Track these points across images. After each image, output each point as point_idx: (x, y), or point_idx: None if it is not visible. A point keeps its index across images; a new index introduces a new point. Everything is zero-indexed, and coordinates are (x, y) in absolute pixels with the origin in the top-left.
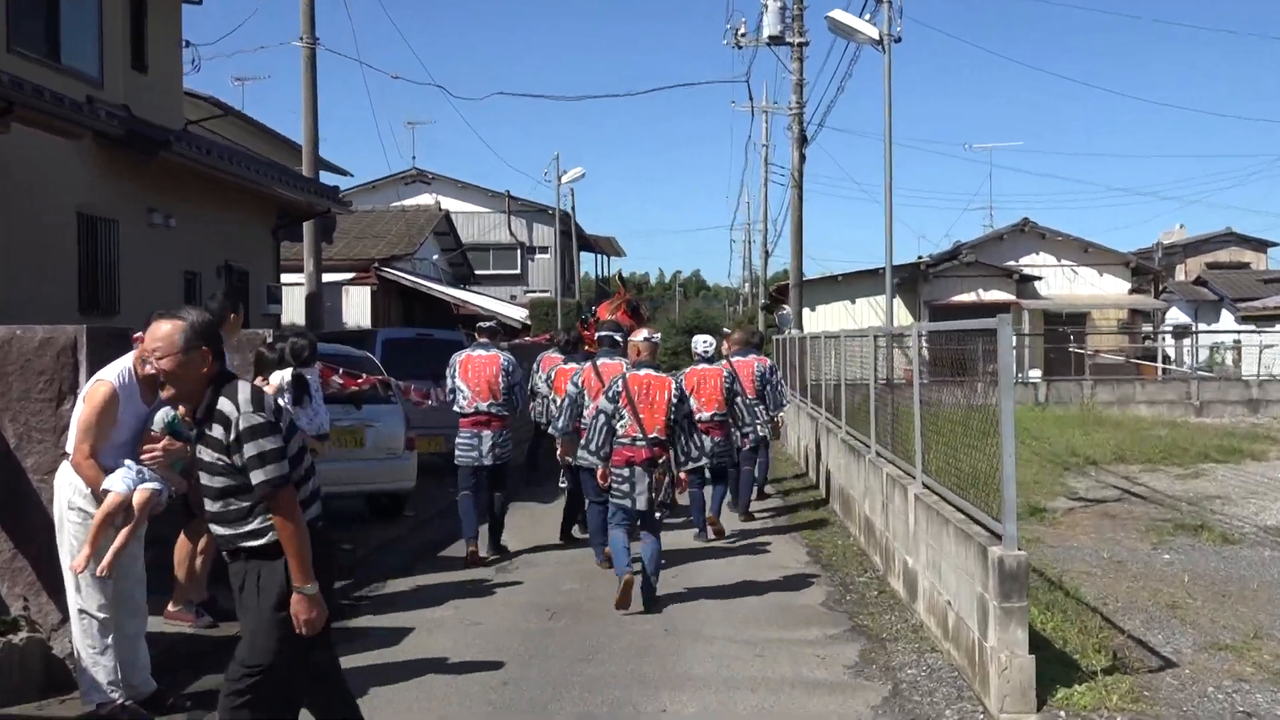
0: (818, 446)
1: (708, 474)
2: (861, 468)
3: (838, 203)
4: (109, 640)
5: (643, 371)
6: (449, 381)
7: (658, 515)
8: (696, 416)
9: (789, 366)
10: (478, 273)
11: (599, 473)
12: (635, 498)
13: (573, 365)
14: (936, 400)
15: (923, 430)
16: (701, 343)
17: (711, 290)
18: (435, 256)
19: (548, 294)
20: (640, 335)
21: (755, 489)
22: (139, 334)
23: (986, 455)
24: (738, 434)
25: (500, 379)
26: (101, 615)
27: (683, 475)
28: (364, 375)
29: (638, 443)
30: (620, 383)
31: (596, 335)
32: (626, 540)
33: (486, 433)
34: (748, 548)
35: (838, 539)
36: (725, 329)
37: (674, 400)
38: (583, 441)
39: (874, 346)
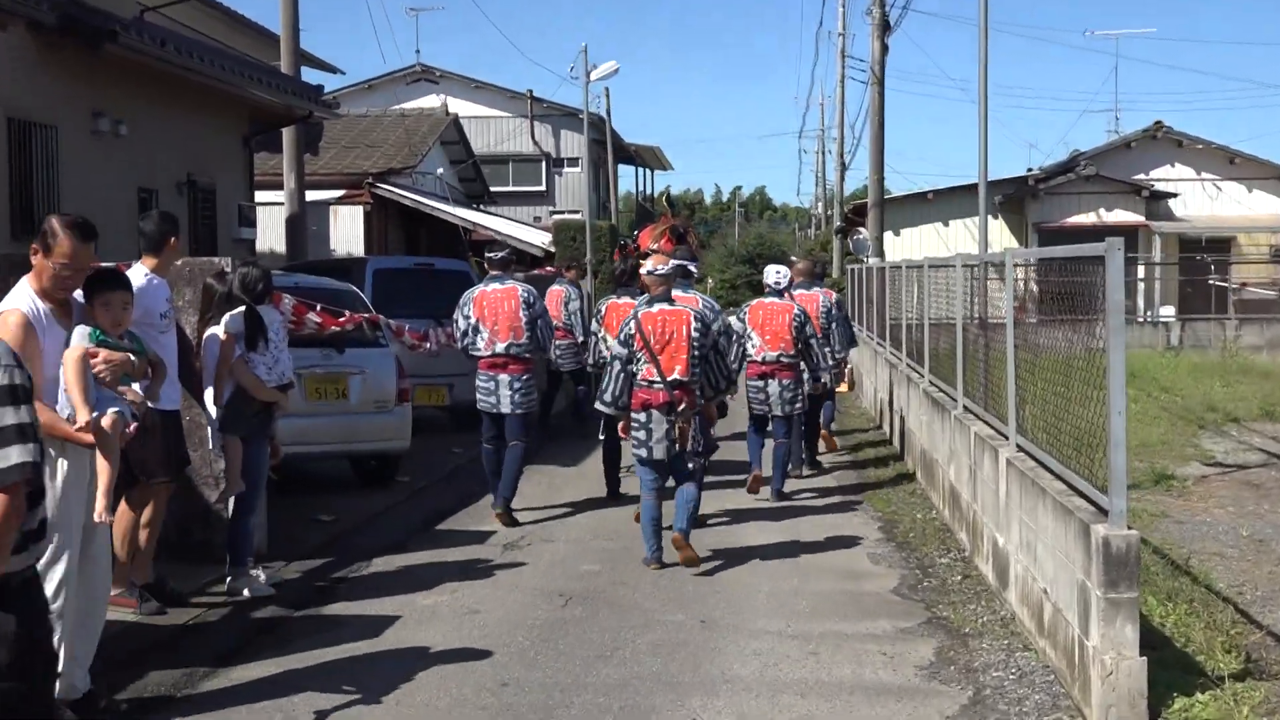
0: (895, 398)
1: (774, 422)
2: (946, 426)
3: (929, 104)
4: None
5: (656, 308)
6: (461, 322)
7: (690, 466)
8: (759, 356)
9: (865, 302)
10: (494, 190)
11: (620, 425)
12: (652, 446)
13: (628, 300)
14: (1036, 344)
15: (1018, 380)
16: (774, 273)
17: (778, 211)
18: (442, 170)
19: (578, 215)
20: (645, 268)
21: (820, 437)
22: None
23: (1092, 412)
24: (809, 379)
25: (521, 312)
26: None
27: (711, 410)
28: (347, 313)
29: (655, 385)
30: (633, 323)
31: (647, 273)
32: (657, 510)
33: (504, 376)
34: (807, 515)
35: (916, 511)
36: (793, 258)
37: (695, 335)
38: (599, 390)
39: (961, 277)
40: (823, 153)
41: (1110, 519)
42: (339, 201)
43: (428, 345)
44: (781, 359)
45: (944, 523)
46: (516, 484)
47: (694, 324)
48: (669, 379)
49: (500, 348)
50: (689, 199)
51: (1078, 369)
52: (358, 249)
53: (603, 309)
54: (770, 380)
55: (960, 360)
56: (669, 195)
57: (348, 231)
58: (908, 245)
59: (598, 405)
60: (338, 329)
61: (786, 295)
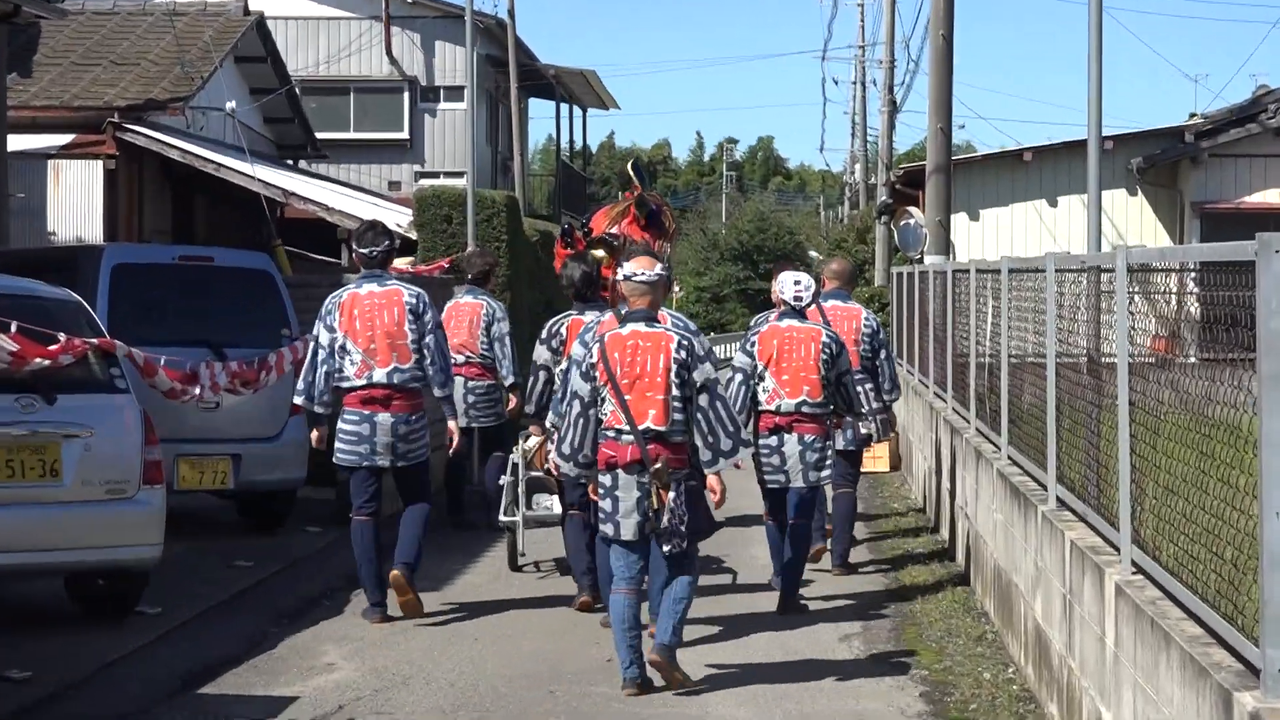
0: (955, 479)
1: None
2: (1032, 529)
3: (1031, 13)
4: None
5: (628, 328)
6: (323, 336)
7: (667, 549)
8: (772, 404)
9: (915, 326)
10: (324, 137)
11: (591, 487)
12: (619, 520)
13: (598, 318)
14: (1166, 399)
15: (1136, 457)
16: (793, 284)
17: (793, 177)
18: (235, 105)
19: (459, 180)
20: (625, 271)
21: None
22: None
23: (1237, 511)
24: (840, 434)
25: (408, 325)
26: None
27: (713, 481)
28: (62, 336)
29: (623, 437)
30: (596, 349)
31: (617, 276)
32: (632, 610)
33: (384, 417)
34: (816, 676)
35: (983, 667)
36: (813, 253)
37: (677, 367)
38: (556, 439)
39: (1054, 290)
40: (860, 83)
41: (1264, 683)
42: (64, 153)
43: (197, 391)
44: (804, 408)
45: (1025, 686)
46: (420, 545)
47: (676, 353)
48: (640, 427)
49: (379, 375)
50: (648, 156)
51: (1219, 441)
52: (93, 231)
53: (563, 331)
54: (788, 436)
55: (1052, 424)
56: (640, 164)
57: (77, 201)
58: (992, 235)
59: (553, 458)
60: (44, 363)
61: (812, 314)
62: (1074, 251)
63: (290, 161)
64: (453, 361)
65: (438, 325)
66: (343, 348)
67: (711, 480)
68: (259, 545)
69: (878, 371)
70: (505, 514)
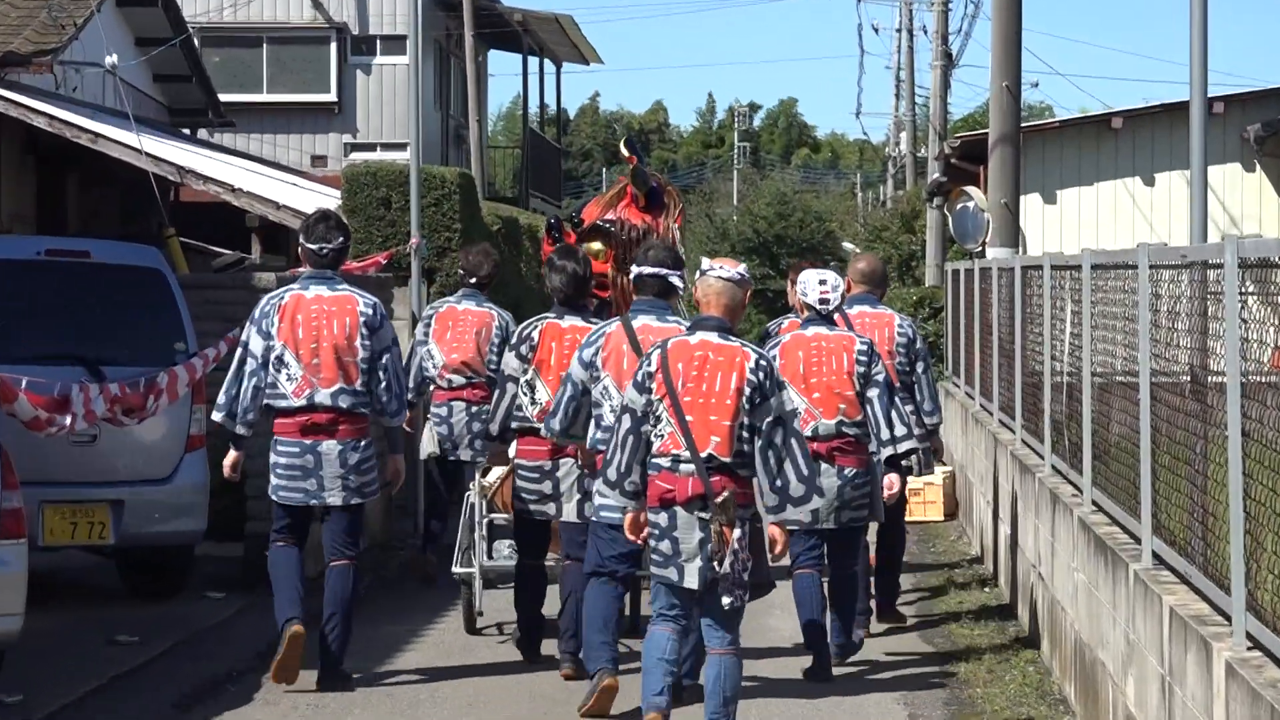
0: (1024, 529)
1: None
2: (1121, 592)
3: None
4: None
5: (696, 336)
6: (255, 344)
7: (727, 602)
8: (808, 429)
9: (967, 335)
10: (231, 100)
11: (628, 520)
12: (682, 567)
13: (574, 323)
14: None
15: (1251, 502)
16: (817, 285)
17: (821, 149)
18: (113, 60)
19: (401, 154)
20: (702, 265)
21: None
22: None
23: None
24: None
25: (360, 340)
26: None
27: (775, 531)
28: None
29: (681, 466)
30: (656, 358)
31: (634, 273)
32: (673, 645)
33: (329, 444)
34: None
35: None
36: (848, 245)
37: (750, 390)
38: (600, 468)
39: (1146, 291)
40: (907, 30)
41: None
42: None
43: (68, 421)
44: (843, 429)
45: None
46: (348, 630)
47: (752, 374)
48: (703, 454)
49: (323, 397)
50: (640, 123)
51: None
52: None
53: (534, 337)
54: (826, 468)
55: (1147, 460)
56: (635, 138)
57: None
58: (1071, 222)
59: (595, 488)
60: None
61: (839, 320)
62: (1174, 242)
63: (188, 131)
64: (451, 383)
65: (395, 341)
66: (280, 359)
67: (773, 530)
68: (147, 615)
69: (915, 388)
70: (459, 564)
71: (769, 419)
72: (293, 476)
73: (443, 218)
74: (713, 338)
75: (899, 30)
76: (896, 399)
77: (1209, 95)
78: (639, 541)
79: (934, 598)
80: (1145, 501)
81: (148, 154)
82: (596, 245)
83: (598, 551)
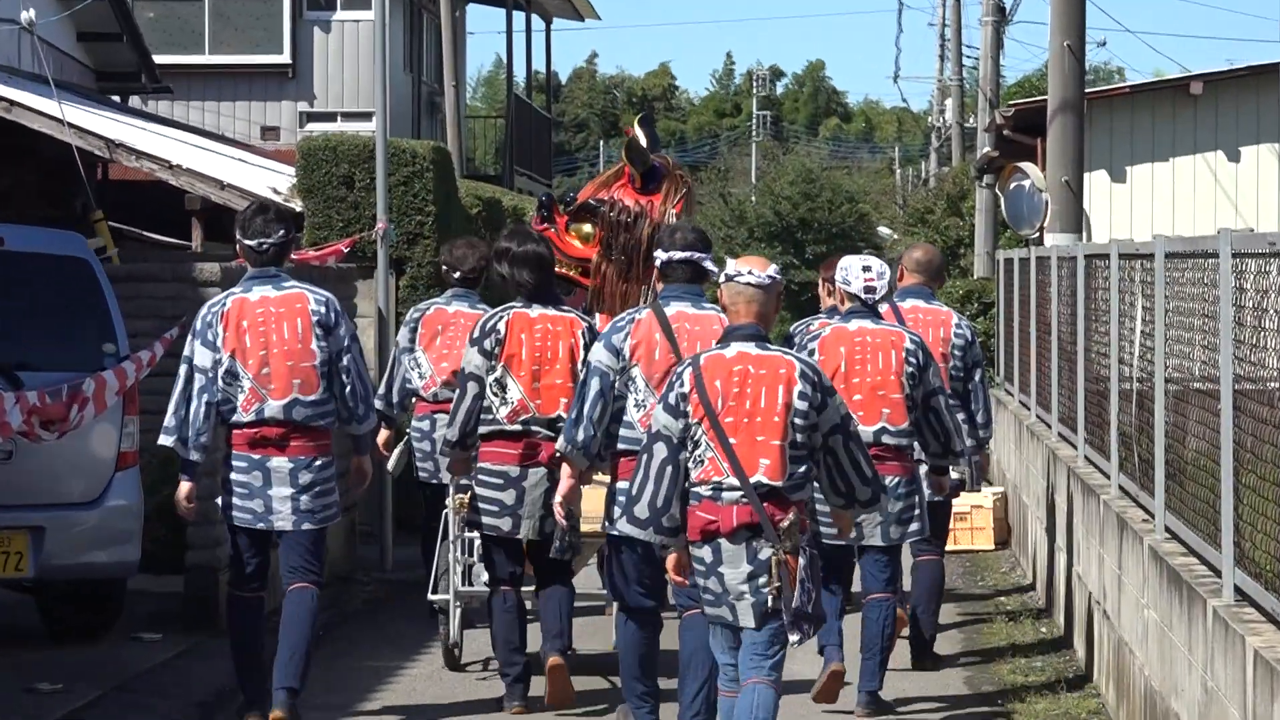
0: (1085, 559)
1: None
2: (1198, 633)
3: None
4: None
5: (733, 349)
6: (201, 357)
7: (795, 639)
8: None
9: (1021, 334)
10: (167, 64)
11: (671, 561)
12: (733, 605)
13: (544, 312)
14: None
15: None
16: (861, 271)
17: (854, 118)
18: (29, 15)
19: (366, 124)
20: (727, 270)
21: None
22: None
23: None
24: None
25: (314, 343)
26: None
27: (840, 515)
28: None
29: (723, 494)
30: (688, 375)
31: (661, 259)
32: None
33: (279, 461)
34: None
35: None
36: (884, 228)
37: (805, 405)
38: (627, 495)
39: (1229, 284)
40: None
41: None
42: None
43: None
44: (886, 437)
45: None
46: (306, 663)
47: (800, 384)
48: (752, 479)
49: (273, 409)
50: (643, 88)
51: None
52: None
53: (500, 329)
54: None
55: (1228, 480)
56: (646, 108)
57: None
58: (1144, 203)
59: (622, 526)
60: None
61: (887, 314)
62: (1262, 226)
63: (117, 98)
64: (438, 397)
65: (354, 338)
66: (230, 372)
67: (842, 521)
68: (71, 659)
69: (970, 397)
70: (434, 590)
71: (826, 429)
72: (242, 495)
73: (414, 199)
74: (750, 349)
75: None
76: (946, 410)
77: None
78: (682, 583)
79: (982, 636)
80: (1227, 528)
81: (71, 125)
82: (586, 228)
83: (625, 577)
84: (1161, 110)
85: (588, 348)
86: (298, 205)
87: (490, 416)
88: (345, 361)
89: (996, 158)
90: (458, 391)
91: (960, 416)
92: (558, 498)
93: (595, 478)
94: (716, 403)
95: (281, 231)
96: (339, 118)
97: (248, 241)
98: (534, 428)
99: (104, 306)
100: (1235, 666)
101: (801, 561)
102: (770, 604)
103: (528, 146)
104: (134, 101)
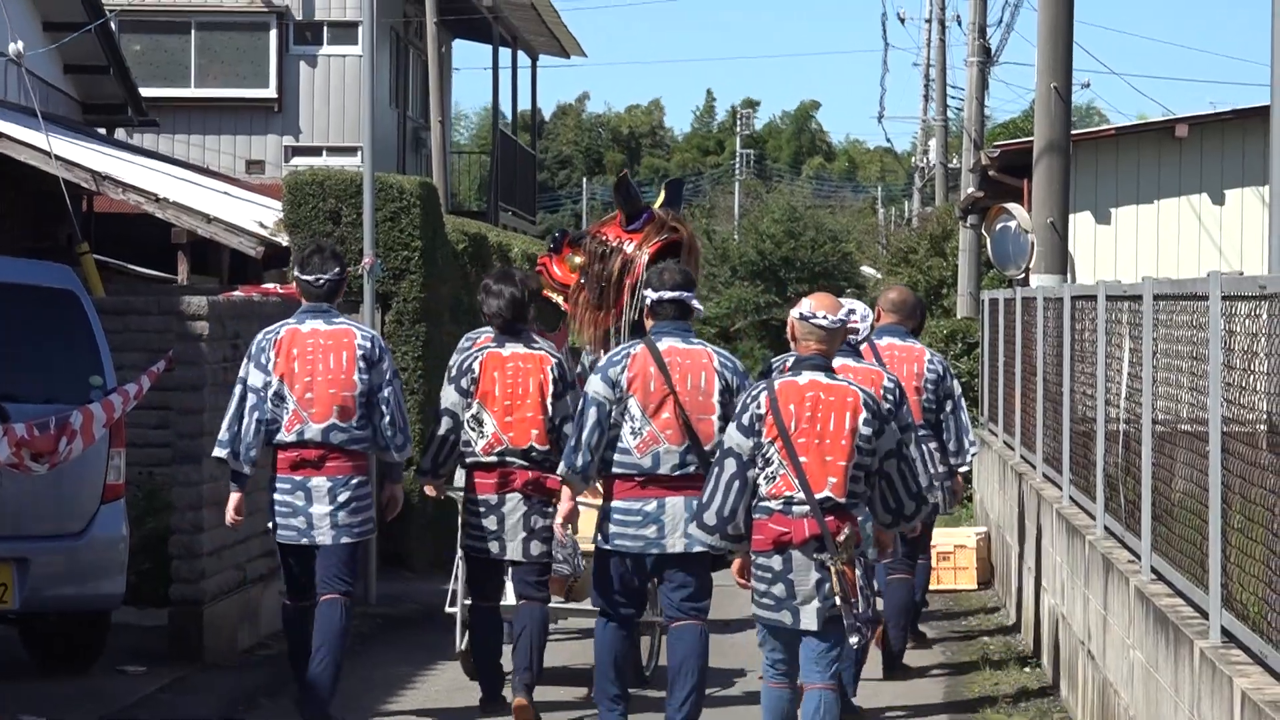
0: (1071, 602)
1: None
2: (1184, 674)
3: None
4: None
5: (806, 377)
6: (254, 379)
7: (855, 640)
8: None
9: (1006, 374)
10: (154, 96)
11: (735, 565)
12: (798, 609)
13: (516, 350)
14: None
15: None
16: (845, 314)
17: (838, 157)
18: (16, 47)
19: (351, 159)
20: (802, 310)
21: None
22: None
23: None
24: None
25: (357, 375)
26: None
27: (884, 536)
28: None
29: (794, 508)
30: (763, 397)
31: (651, 298)
32: (790, 708)
33: (318, 481)
34: None
35: None
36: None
37: (871, 432)
38: (698, 503)
39: (1218, 327)
40: (939, 21)
41: None
42: None
43: None
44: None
45: None
46: (336, 671)
47: (864, 412)
48: (820, 495)
49: (312, 432)
50: (628, 124)
51: None
52: None
53: (474, 369)
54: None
55: (1216, 521)
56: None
57: None
58: (1128, 245)
59: (692, 530)
60: None
61: (866, 352)
62: (1249, 269)
63: (104, 130)
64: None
65: (395, 374)
66: (278, 395)
67: (883, 536)
68: (55, 692)
69: (941, 426)
70: (450, 603)
71: (883, 454)
72: (285, 514)
73: (400, 234)
74: (821, 378)
75: (929, 20)
76: (917, 448)
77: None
78: (745, 585)
79: (965, 676)
80: (1214, 569)
81: (58, 157)
82: (577, 258)
83: (609, 587)
84: (1147, 152)
85: (557, 383)
86: (284, 240)
87: (470, 449)
88: (385, 394)
89: (981, 198)
90: (433, 426)
91: (932, 445)
92: (559, 519)
93: (592, 500)
94: (790, 425)
95: (336, 269)
96: (324, 152)
97: (305, 277)
98: (509, 458)
99: (91, 339)
100: (1223, 708)
101: (858, 572)
102: (832, 611)
103: (512, 182)
104: (120, 134)
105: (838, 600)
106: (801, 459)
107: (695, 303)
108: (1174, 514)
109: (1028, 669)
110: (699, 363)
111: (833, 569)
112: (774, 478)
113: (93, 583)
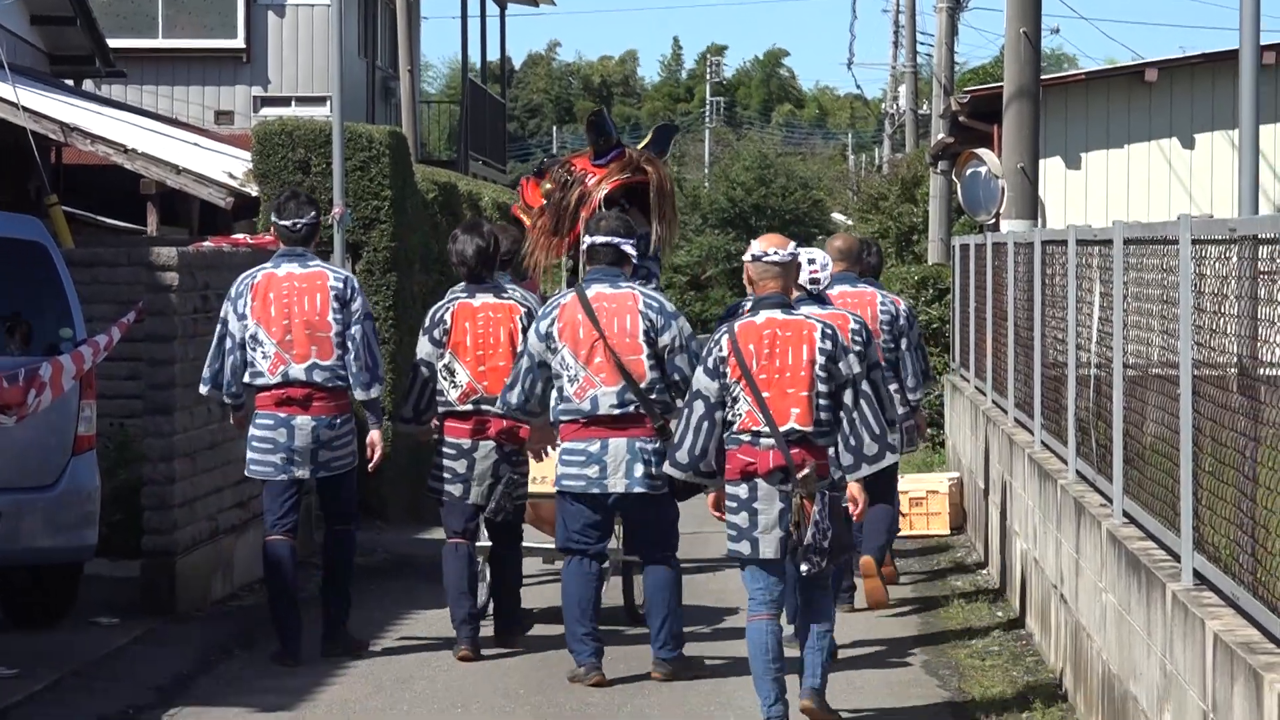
0: (1043, 544)
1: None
2: (1156, 616)
3: None
4: None
5: (762, 315)
6: (232, 324)
7: (805, 569)
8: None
9: (977, 319)
10: (121, 47)
11: (710, 498)
12: (758, 538)
13: (486, 300)
14: None
15: None
16: (806, 265)
17: (808, 105)
18: None
19: (321, 109)
20: (752, 250)
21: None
22: None
23: None
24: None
25: (331, 315)
26: None
27: (855, 490)
28: None
29: (761, 440)
30: (725, 341)
31: (586, 243)
32: (774, 637)
33: (303, 419)
34: None
35: None
36: (839, 216)
37: (824, 359)
38: (670, 443)
39: (1188, 271)
40: None
41: None
42: None
43: None
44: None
45: None
46: (348, 593)
47: (821, 343)
48: (783, 428)
49: (296, 372)
50: (600, 72)
51: None
52: None
53: (447, 319)
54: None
55: (1188, 465)
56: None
57: None
58: (1099, 190)
59: (665, 468)
60: None
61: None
62: (1218, 213)
63: (71, 82)
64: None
65: (367, 315)
66: (254, 338)
67: (853, 489)
68: (26, 645)
69: (899, 364)
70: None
71: (839, 382)
72: (264, 450)
73: (370, 184)
74: (777, 314)
75: None
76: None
77: (1261, 43)
78: (720, 517)
79: (939, 621)
80: (1185, 512)
81: (25, 109)
82: (548, 185)
83: (565, 525)
84: (1116, 97)
85: (526, 330)
86: (254, 190)
87: (444, 399)
88: (353, 330)
89: (952, 144)
90: (410, 376)
91: (893, 387)
92: (530, 445)
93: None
94: (751, 363)
95: (312, 214)
96: (293, 102)
97: (283, 222)
98: (483, 406)
99: (60, 291)
100: (1195, 650)
101: (816, 506)
102: (796, 540)
103: (481, 131)
104: (87, 85)
105: (794, 529)
106: (765, 394)
107: (629, 248)
108: (1145, 457)
109: (1000, 613)
110: (624, 305)
111: (795, 499)
112: (740, 415)
113: (64, 535)
